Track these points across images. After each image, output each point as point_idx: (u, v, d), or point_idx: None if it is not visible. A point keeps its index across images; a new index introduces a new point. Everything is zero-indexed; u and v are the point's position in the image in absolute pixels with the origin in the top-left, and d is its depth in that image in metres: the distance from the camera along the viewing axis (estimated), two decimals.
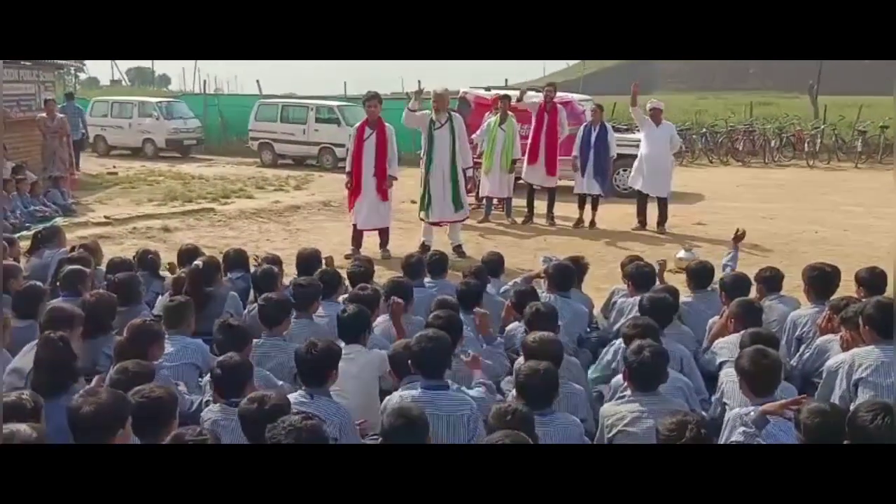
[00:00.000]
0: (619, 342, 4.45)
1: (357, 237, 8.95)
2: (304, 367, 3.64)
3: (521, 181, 11.88)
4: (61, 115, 13.38)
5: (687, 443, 2.73)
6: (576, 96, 15.51)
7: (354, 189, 8.81)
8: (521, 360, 3.95)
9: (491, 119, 11.33)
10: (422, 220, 9.34)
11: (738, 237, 6.73)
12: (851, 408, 3.30)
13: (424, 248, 8.58)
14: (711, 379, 4.40)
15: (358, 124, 8.92)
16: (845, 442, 2.77)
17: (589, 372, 4.67)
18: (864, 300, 4.48)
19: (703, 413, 4.05)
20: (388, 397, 3.72)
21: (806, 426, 2.87)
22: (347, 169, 8.97)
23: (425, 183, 9.04)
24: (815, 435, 2.84)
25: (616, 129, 14.52)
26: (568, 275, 5.52)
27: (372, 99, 8.79)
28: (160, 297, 5.56)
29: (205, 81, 33.21)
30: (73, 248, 6.28)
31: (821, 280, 5.06)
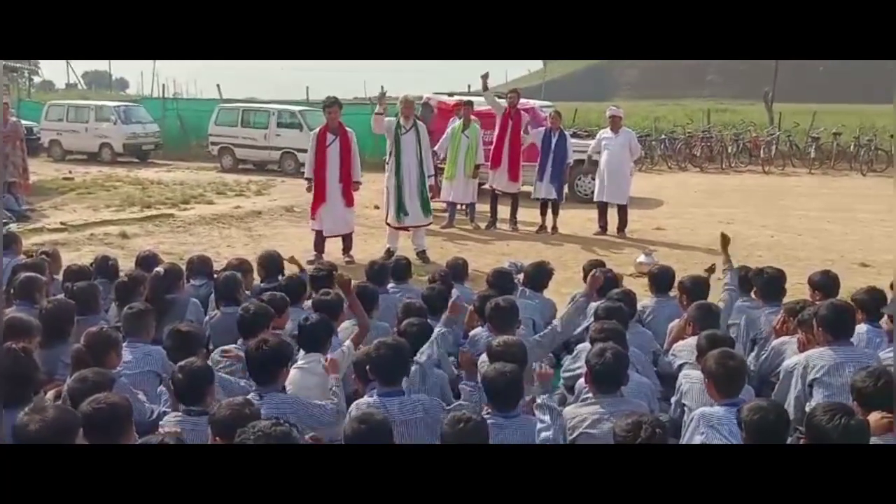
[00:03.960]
0: (585, 346, 4.49)
1: (320, 243, 8.91)
2: (254, 364, 3.65)
3: (484, 186, 11.95)
4: (14, 119, 13.08)
5: (643, 443, 2.78)
6: (537, 102, 15.63)
7: (318, 195, 8.77)
8: (485, 362, 3.98)
9: (455, 125, 11.37)
10: (388, 224, 9.31)
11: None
12: (807, 408, 3.39)
13: (389, 253, 8.58)
14: (671, 380, 4.48)
15: (318, 130, 8.88)
16: (801, 440, 2.84)
17: (561, 372, 4.74)
18: (818, 303, 4.60)
19: (664, 414, 4.14)
20: (350, 406, 3.71)
21: (746, 423, 2.94)
22: (308, 174, 8.92)
23: (397, 187, 9.00)
24: (755, 430, 2.91)
25: (577, 136, 14.75)
26: (544, 273, 5.97)
27: (333, 105, 8.78)
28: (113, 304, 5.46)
29: (164, 85, 32.67)
30: (30, 255, 6.15)
31: (770, 284, 5.20)
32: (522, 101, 14.35)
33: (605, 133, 11.15)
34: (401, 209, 9.02)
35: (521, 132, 11.13)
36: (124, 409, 2.96)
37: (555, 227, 11.12)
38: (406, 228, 9.17)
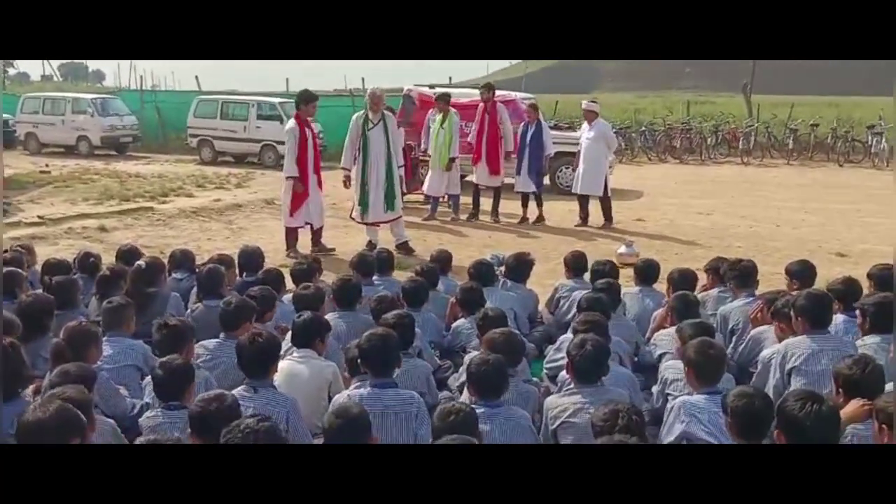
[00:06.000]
0: (568, 337, 4.52)
1: (294, 238, 8.85)
2: (247, 358, 3.63)
3: (467, 179, 11.95)
4: None
5: (620, 431, 2.80)
6: (519, 95, 15.66)
7: (305, 190, 8.71)
8: (472, 353, 4.01)
9: (436, 118, 11.34)
10: (352, 218, 9.30)
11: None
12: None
13: (371, 246, 8.57)
14: (652, 370, 4.53)
15: (296, 126, 8.69)
16: (773, 426, 2.88)
17: (545, 363, 4.79)
18: (794, 292, 4.66)
19: (646, 403, 4.19)
20: (336, 396, 3.72)
21: (732, 409, 2.98)
22: (293, 173, 8.65)
23: (362, 183, 8.94)
24: (740, 416, 2.94)
25: (557, 128, 14.79)
26: (525, 264, 5.98)
27: (316, 99, 8.96)
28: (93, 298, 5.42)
29: (141, 77, 32.43)
30: (5, 250, 6.08)
31: (740, 273, 5.27)
32: (504, 93, 14.45)
33: (584, 127, 11.24)
34: (363, 205, 8.97)
35: (499, 124, 11.15)
36: (82, 403, 2.90)
37: (540, 217, 11.12)
38: (375, 224, 9.12)
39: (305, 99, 8.92)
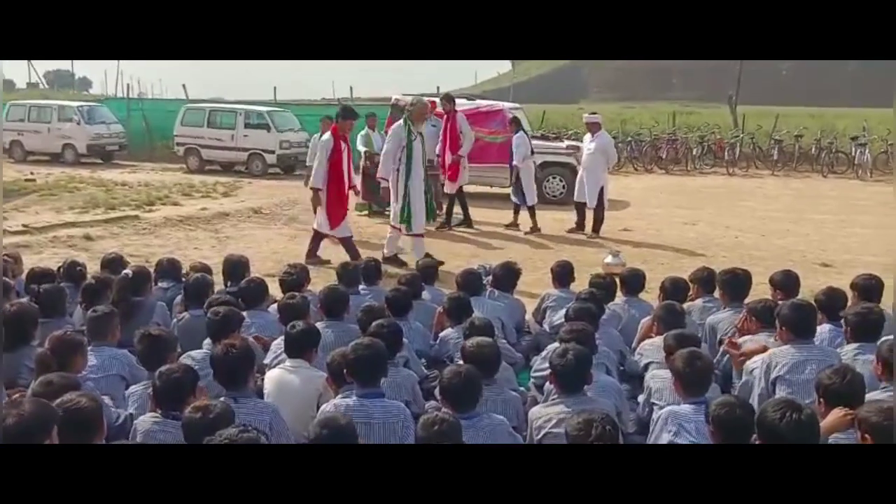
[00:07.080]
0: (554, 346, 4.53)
1: (354, 247, 8.80)
2: (222, 368, 3.59)
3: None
4: None
5: (595, 441, 2.80)
6: (506, 105, 15.71)
7: (345, 201, 8.79)
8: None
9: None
10: (392, 226, 9.14)
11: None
12: None
13: (397, 260, 8.74)
14: (637, 380, 4.54)
15: (330, 138, 8.67)
16: (754, 435, 2.90)
17: (532, 373, 4.78)
18: (780, 302, 4.69)
19: (632, 413, 4.20)
20: (322, 406, 3.70)
21: (714, 418, 3.00)
22: (320, 185, 8.63)
23: (406, 194, 8.80)
24: (722, 425, 2.97)
25: (544, 138, 14.92)
26: (512, 274, 6.02)
27: (356, 117, 9.02)
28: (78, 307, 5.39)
29: (128, 85, 32.10)
30: None
31: (734, 284, 5.29)
32: (491, 102, 14.52)
33: (587, 138, 11.54)
34: (408, 216, 8.84)
35: (458, 133, 11.34)
36: (94, 410, 2.92)
37: (532, 228, 11.22)
38: (421, 235, 9.05)
39: (344, 114, 8.85)
